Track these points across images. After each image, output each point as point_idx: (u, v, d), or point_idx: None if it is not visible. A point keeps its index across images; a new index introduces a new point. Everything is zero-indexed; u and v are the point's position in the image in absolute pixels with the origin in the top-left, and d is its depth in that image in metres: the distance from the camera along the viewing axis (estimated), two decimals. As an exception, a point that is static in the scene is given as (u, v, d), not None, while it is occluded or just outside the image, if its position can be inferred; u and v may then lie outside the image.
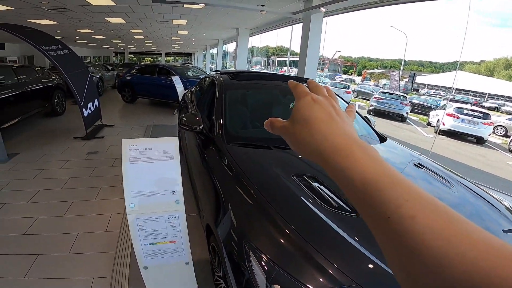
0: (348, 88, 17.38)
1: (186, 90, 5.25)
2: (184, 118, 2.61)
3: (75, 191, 3.53)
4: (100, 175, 4.07)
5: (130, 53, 39.27)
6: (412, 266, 0.24)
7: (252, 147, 2.23)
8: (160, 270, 1.75)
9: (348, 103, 3.26)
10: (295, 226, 1.36)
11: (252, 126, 2.76)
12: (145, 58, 50.06)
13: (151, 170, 1.60)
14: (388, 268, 1.09)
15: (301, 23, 8.34)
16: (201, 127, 2.53)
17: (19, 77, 6.10)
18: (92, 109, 6.06)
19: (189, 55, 45.95)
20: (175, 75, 8.00)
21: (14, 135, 5.61)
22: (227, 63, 28.29)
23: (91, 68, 11.67)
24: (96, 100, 6.33)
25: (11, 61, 16.75)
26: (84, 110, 5.57)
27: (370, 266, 1.19)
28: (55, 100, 7.42)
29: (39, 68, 7.39)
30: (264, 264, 1.24)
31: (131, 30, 15.12)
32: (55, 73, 7.74)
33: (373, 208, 0.28)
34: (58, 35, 14.80)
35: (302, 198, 1.58)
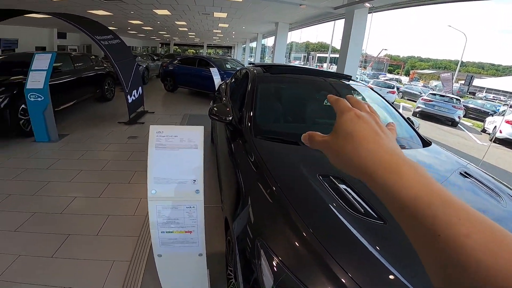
0: (393, 88, 16.35)
1: (222, 81, 5.28)
2: (215, 108, 2.60)
3: (113, 174, 3.72)
4: (136, 159, 4.25)
5: (175, 44, 40.69)
6: (462, 282, 0.25)
7: (279, 141, 2.14)
8: (173, 259, 1.76)
9: (391, 104, 3.02)
10: (313, 229, 1.26)
11: (282, 121, 2.67)
12: (188, 50, 51.68)
13: (175, 158, 1.60)
14: (409, 283, 1.00)
15: (344, 19, 7.93)
16: (230, 118, 2.48)
17: (75, 65, 6.58)
18: (136, 96, 6.37)
19: (229, 48, 46.53)
20: (213, 67, 8.13)
21: (66, 117, 6.08)
22: (266, 57, 28.15)
23: (139, 58, 12.32)
24: (140, 88, 6.64)
25: (72, 49, 18.16)
26: (128, 96, 5.87)
27: (391, 277, 1.06)
28: (105, 87, 7.93)
29: (93, 57, 7.92)
30: (274, 265, 1.17)
31: (175, 22, 15.61)
32: (107, 61, 8.23)
33: (423, 225, 0.27)
34: (113, 26, 15.82)
35: (325, 200, 1.47)
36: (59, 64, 5.90)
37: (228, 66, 9.66)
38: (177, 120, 6.60)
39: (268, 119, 2.61)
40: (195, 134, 1.62)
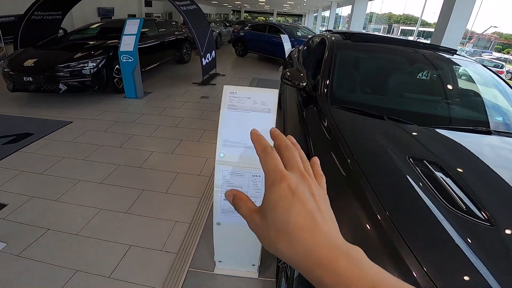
0: (501, 68, 13.34)
1: (293, 48, 4.64)
2: (288, 73, 2.16)
3: (185, 131, 3.60)
4: (207, 118, 4.08)
5: (245, 11, 39.32)
6: None
7: (359, 113, 1.64)
8: (231, 228, 1.51)
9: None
10: (394, 221, 0.90)
11: (363, 92, 2.11)
12: (258, 17, 49.59)
13: (246, 121, 1.26)
14: None
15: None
16: (304, 83, 2.03)
17: (159, 30, 6.54)
18: (210, 59, 6.19)
19: (300, 16, 43.14)
20: (284, 34, 7.43)
21: (150, 77, 6.20)
22: (339, 27, 25.15)
23: (212, 24, 11.99)
24: (213, 52, 6.42)
25: (156, 16, 18.72)
26: (203, 59, 5.71)
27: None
28: (184, 50, 7.88)
29: (174, 22, 7.84)
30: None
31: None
32: (185, 27, 8.12)
33: None
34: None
35: (415, 188, 1.04)
36: (146, 29, 5.93)
37: (299, 33, 8.73)
38: (246, 83, 6.25)
39: (347, 88, 2.08)
40: (269, 97, 1.23)
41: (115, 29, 5.29)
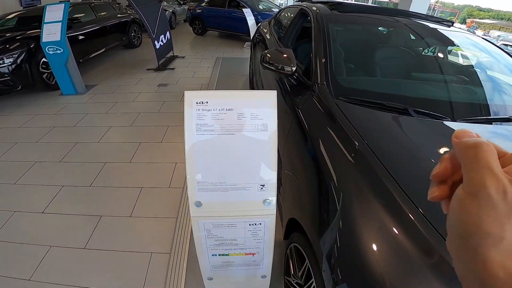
0: None
1: (259, 24, 4.06)
2: (268, 55, 1.62)
3: (144, 130, 3.00)
4: (168, 110, 3.48)
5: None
6: None
7: (375, 108, 1.19)
8: (228, 281, 1.06)
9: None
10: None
11: (370, 77, 1.64)
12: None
13: (230, 149, 0.76)
14: None
15: None
16: (294, 68, 1.53)
17: (97, 14, 5.64)
18: (164, 42, 5.46)
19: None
20: (246, 7, 6.79)
21: (94, 66, 5.30)
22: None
23: (164, 3, 10.77)
24: (168, 33, 5.68)
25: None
26: (156, 42, 4.99)
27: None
28: (132, 34, 6.96)
29: (117, 5, 6.86)
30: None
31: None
32: (131, 8, 7.13)
33: None
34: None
35: None
36: (80, 15, 5.08)
37: (261, 6, 8.07)
38: (209, 64, 5.59)
39: (351, 73, 1.61)
40: (264, 104, 0.74)
41: (37, 18, 4.32)
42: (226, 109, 0.72)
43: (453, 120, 1.16)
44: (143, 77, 4.77)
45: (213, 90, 3.89)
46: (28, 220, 1.83)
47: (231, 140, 0.73)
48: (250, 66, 4.10)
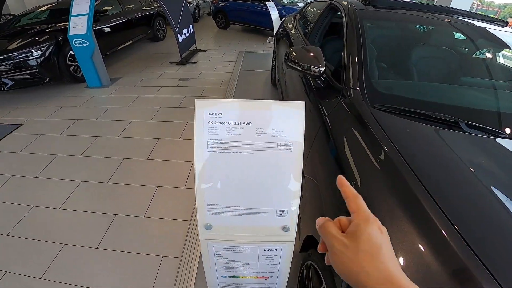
0: None
1: (283, 18, 3.87)
2: (293, 53, 1.47)
3: (163, 126, 2.96)
4: (188, 106, 3.42)
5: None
6: None
7: (418, 119, 1.01)
8: None
9: None
10: None
11: (412, 82, 1.41)
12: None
13: (247, 170, 0.65)
14: None
15: None
16: (322, 69, 1.36)
17: (123, 7, 5.68)
18: (187, 35, 5.40)
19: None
20: (269, 1, 6.61)
21: (119, 59, 5.38)
22: None
23: (189, -5, 10.77)
24: (191, 26, 5.61)
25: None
26: (179, 36, 4.94)
27: None
28: (157, 27, 7.00)
29: (142, -3, 6.89)
30: None
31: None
32: (155, 1, 7.16)
33: None
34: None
35: None
36: (107, 7, 5.12)
37: (285, 0, 7.77)
38: (231, 58, 5.48)
39: (391, 78, 1.42)
40: (289, 118, 0.60)
41: (67, 10, 4.41)
42: (244, 123, 0.60)
43: None
44: (165, 71, 4.77)
45: (231, 97, 3.79)
46: (45, 215, 1.83)
47: (248, 159, 0.61)
48: (272, 62, 3.95)
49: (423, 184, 0.71)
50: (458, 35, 1.69)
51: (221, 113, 0.60)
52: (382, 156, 0.84)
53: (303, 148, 0.62)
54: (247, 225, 0.71)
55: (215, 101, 0.61)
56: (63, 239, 1.67)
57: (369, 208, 0.37)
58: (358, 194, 0.38)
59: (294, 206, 0.67)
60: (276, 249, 0.75)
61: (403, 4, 1.87)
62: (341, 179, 0.40)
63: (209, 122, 0.60)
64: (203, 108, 0.60)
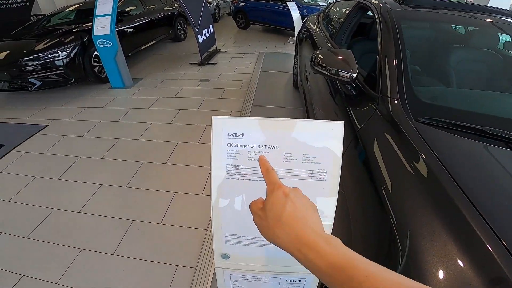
0: None
1: (305, 18, 3.73)
2: (320, 56, 1.35)
3: (182, 128, 2.93)
4: (207, 108, 3.38)
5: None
6: None
7: (470, 134, 0.87)
8: None
9: None
10: None
11: (458, 92, 1.25)
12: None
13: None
14: None
15: None
16: (354, 75, 1.23)
17: (146, 7, 5.76)
18: (207, 35, 5.39)
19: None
20: (290, 1, 6.49)
21: (141, 59, 5.46)
22: None
23: (209, -5, 10.82)
24: (211, 26, 5.60)
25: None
26: (199, 36, 4.94)
27: None
28: (178, 27, 7.06)
29: (164, -3, 6.97)
30: None
31: None
32: (176, 1, 7.22)
33: (341, 286, 0.30)
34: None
35: None
36: (130, 8, 5.20)
37: (306, 0, 7.60)
38: (251, 59, 5.42)
39: (433, 85, 1.27)
40: (324, 142, 0.50)
41: (93, 10, 4.53)
42: (269, 146, 0.51)
43: None
44: (186, 72, 4.78)
45: (252, 99, 3.71)
46: (64, 219, 1.85)
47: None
48: (294, 64, 3.83)
49: (490, 225, 0.59)
50: (505, 37, 1.51)
51: (242, 134, 0.51)
52: (431, 182, 0.72)
53: (339, 177, 0.52)
54: (268, 256, 0.62)
55: (236, 119, 0.51)
56: (81, 244, 1.66)
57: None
58: (270, 169, 0.42)
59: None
60: (300, 280, 0.65)
61: (441, 3, 1.69)
62: (262, 159, 0.45)
63: (229, 145, 0.51)
64: (221, 127, 0.51)
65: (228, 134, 0.51)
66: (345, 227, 0.90)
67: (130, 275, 1.49)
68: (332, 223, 0.57)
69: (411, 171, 0.78)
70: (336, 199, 0.55)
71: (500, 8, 1.73)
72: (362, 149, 0.98)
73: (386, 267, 0.65)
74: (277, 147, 0.51)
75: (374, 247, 0.76)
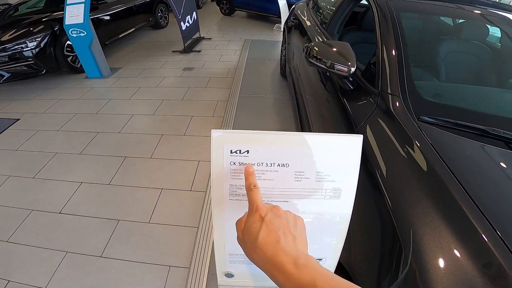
0: None
1: (294, 5, 3.61)
2: (315, 48, 1.28)
3: (166, 120, 2.82)
4: (193, 98, 3.26)
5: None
6: None
7: (475, 135, 0.85)
8: None
9: None
10: None
11: (461, 89, 1.20)
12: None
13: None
14: None
15: None
16: (353, 69, 1.17)
17: None
18: (190, 22, 5.19)
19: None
20: None
21: (120, 48, 5.20)
22: None
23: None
24: (194, 13, 5.39)
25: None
26: (182, 23, 4.75)
27: None
28: (159, 14, 6.76)
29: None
30: None
31: None
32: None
33: None
34: None
35: None
36: None
37: (294, -15, 7.47)
38: (237, 47, 5.27)
39: (435, 81, 1.22)
40: (338, 158, 0.45)
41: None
42: (278, 165, 0.45)
43: None
44: (168, 60, 4.60)
45: (238, 88, 3.63)
46: (45, 220, 1.74)
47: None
48: (282, 52, 3.75)
49: (501, 237, 0.58)
50: (510, 31, 1.48)
51: (247, 151, 0.44)
52: (436, 185, 0.70)
53: (354, 195, 0.48)
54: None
55: (239, 134, 0.44)
56: (65, 247, 1.57)
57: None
58: (252, 186, 0.41)
59: (335, 254, 0.54)
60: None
61: None
62: (247, 171, 0.43)
63: (232, 163, 0.45)
64: (222, 142, 0.44)
65: (231, 151, 0.44)
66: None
67: (121, 277, 1.43)
68: (342, 243, 0.53)
69: (415, 173, 0.76)
70: (350, 219, 0.50)
71: (502, 3, 1.71)
72: (363, 153, 0.94)
73: (390, 267, 0.64)
74: (287, 165, 0.45)
75: (374, 247, 0.74)
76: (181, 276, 1.44)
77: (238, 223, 0.42)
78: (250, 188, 0.41)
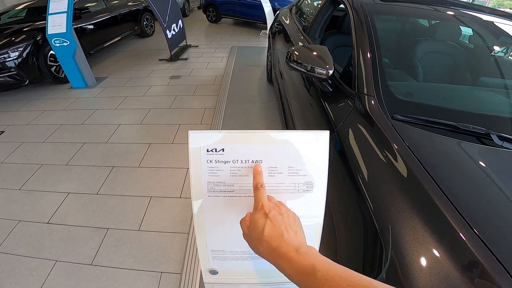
0: None
1: (278, 11, 3.76)
2: (296, 53, 1.37)
3: (154, 129, 2.87)
4: (180, 106, 3.33)
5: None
6: None
7: (444, 131, 0.93)
8: None
9: None
10: None
11: (432, 88, 1.31)
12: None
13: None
14: None
15: None
16: (331, 71, 1.26)
17: (107, 3, 5.53)
18: (176, 30, 5.30)
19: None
20: None
21: (106, 57, 5.24)
22: None
23: (176, -13, 10.51)
24: (180, 21, 5.50)
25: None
26: (167, 31, 4.84)
27: None
28: (144, 22, 6.84)
29: (127, -7, 6.70)
30: None
31: None
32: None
33: None
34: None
35: None
36: (90, 4, 4.99)
37: (278, -8, 7.69)
38: (224, 54, 5.38)
39: (408, 81, 1.32)
40: (309, 153, 0.52)
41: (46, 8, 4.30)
42: (252, 161, 0.51)
43: None
44: (155, 68, 4.66)
45: (226, 95, 3.70)
46: (33, 230, 1.76)
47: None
48: (267, 58, 3.87)
49: (473, 228, 0.64)
50: (480, 31, 1.58)
51: (222, 149, 0.50)
52: (410, 180, 0.77)
53: (326, 188, 0.55)
54: (256, 268, 0.64)
55: (214, 134, 0.50)
56: (55, 256, 1.60)
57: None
58: (259, 185, 0.47)
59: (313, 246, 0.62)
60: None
61: None
62: (256, 170, 0.49)
63: (208, 161, 0.51)
64: (199, 143, 0.50)
65: (207, 150, 0.50)
66: (328, 226, 0.94)
67: (112, 285, 1.46)
68: (320, 232, 0.59)
69: (391, 170, 0.83)
70: (324, 210, 0.56)
71: (475, 4, 1.84)
72: (342, 151, 1.01)
73: (371, 262, 0.69)
74: (260, 161, 0.51)
75: (358, 245, 0.80)
76: (173, 282, 1.48)
77: (242, 221, 0.48)
78: (257, 187, 0.47)
